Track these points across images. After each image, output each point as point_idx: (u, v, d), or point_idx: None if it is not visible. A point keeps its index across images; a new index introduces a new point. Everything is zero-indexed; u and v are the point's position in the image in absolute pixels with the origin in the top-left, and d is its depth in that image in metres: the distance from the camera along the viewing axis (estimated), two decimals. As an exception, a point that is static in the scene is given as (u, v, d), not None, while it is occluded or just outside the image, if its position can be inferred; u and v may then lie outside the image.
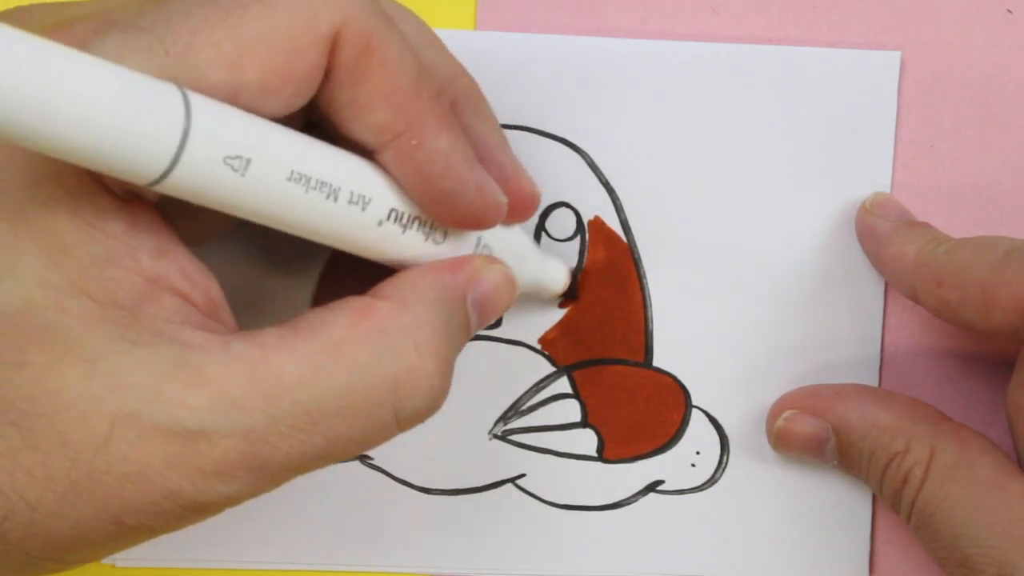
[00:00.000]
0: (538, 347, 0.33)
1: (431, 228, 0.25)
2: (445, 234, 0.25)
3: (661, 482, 0.33)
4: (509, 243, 0.28)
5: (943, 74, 0.33)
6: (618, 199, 0.33)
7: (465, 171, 0.24)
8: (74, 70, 0.18)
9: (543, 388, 0.33)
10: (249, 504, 0.33)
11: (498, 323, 0.33)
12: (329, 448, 0.22)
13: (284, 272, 0.30)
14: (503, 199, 0.26)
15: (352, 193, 0.23)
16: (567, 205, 0.33)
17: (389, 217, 0.24)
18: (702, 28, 0.33)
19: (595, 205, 0.33)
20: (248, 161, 0.21)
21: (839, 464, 0.32)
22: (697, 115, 0.33)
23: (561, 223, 0.33)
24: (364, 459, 0.33)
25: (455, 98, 0.27)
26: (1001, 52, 0.33)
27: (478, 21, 0.33)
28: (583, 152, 0.33)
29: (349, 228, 0.23)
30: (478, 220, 0.25)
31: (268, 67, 0.21)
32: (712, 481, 0.33)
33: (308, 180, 0.22)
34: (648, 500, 0.33)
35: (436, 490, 0.33)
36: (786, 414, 0.32)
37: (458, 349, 0.25)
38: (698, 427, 0.33)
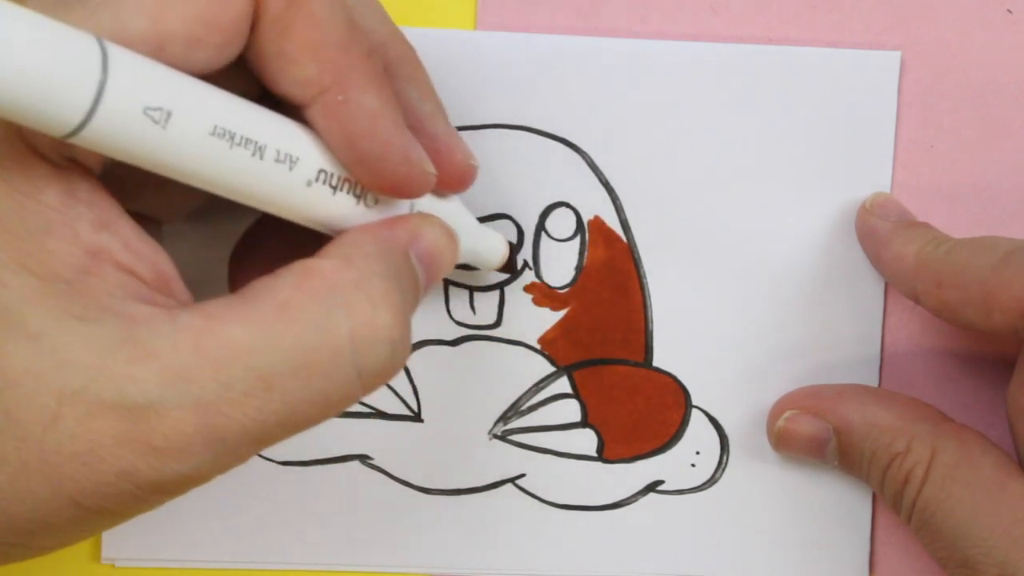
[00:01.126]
0: (538, 347, 0.33)
1: (362, 191, 0.25)
2: (377, 199, 0.25)
3: (661, 482, 0.33)
4: (443, 212, 0.27)
5: (943, 74, 0.33)
6: (618, 199, 0.33)
7: (392, 134, 0.24)
8: None
9: (543, 388, 0.33)
10: (249, 504, 0.33)
11: (498, 323, 0.33)
12: (289, 413, 0.21)
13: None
14: (431, 169, 0.25)
15: (279, 152, 0.22)
16: (567, 205, 0.33)
17: (318, 178, 0.23)
18: (702, 28, 0.33)
19: (595, 205, 0.33)
20: (169, 113, 0.20)
21: (840, 464, 0.32)
22: (697, 115, 0.33)
23: (561, 223, 0.33)
24: (364, 459, 0.33)
25: (389, 63, 0.26)
26: (1001, 52, 0.33)
27: (478, 21, 0.33)
28: (583, 152, 0.33)
29: (276, 188, 0.23)
30: (402, 188, 0.25)
31: (192, 16, 0.21)
32: (712, 481, 0.33)
33: (232, 136, 0.21)
34: (648, 500, 0.33)
35: (436, 490, 0.33)
36: (787, 414, 0.32)
37: (412, 304, 0.24)
38: (698, 427, 0.33)
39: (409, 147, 0.24)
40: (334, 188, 0.24)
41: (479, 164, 0.28)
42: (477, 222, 0.30)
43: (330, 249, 0.23)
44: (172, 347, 0.20)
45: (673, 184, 0.33)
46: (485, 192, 0.33)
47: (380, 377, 0.23)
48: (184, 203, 0.27)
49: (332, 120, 0.23)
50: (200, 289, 0.23)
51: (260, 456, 0.33)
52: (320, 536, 0.33)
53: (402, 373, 0.33)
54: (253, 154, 0.22)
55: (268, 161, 0.22)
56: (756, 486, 0.33)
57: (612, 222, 0.33)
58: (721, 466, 0.33)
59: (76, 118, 0.19)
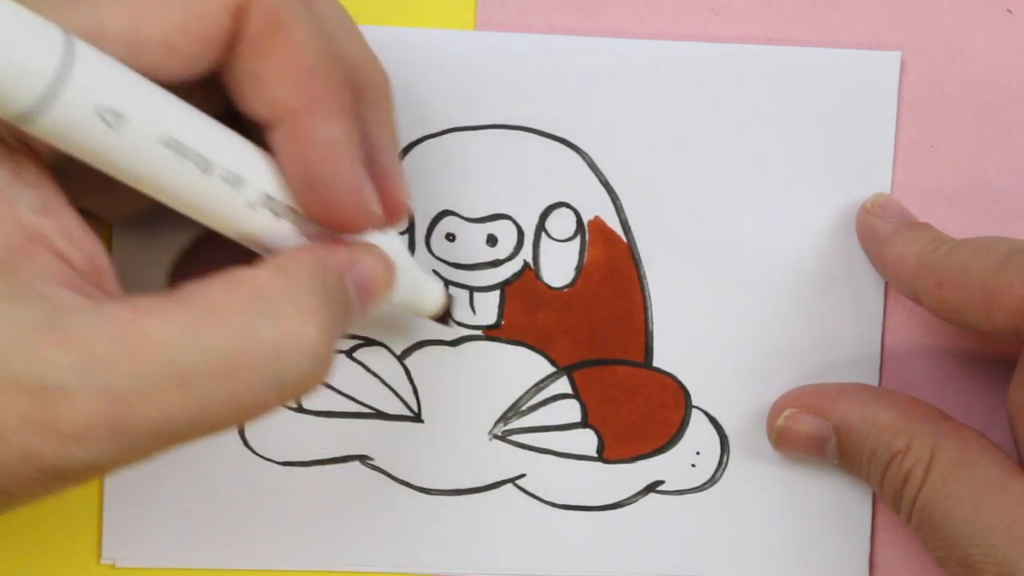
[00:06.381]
0: (538, 347, 0.33)
1: (304, 223, 0.25)
2: (317, 233, 0.25)
3: (661, 482, 0.33)
4: (385, 249, 0.27)
5: (943, 74, 0.33)
6: (618, 199, 0.33)
7: (346, 165, 0.24)
8: None
9: (543, 388, 0.33)
10: (249, 504, 0.33)
11: (498, 323, 0.33)
12: (200, 413, 0.21)
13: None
14: (376, 210, 0.25)
15: (227, 171, 0.23)
16: (567, 205, 0.33)
17: (262, 202, 0.24)
18: (702, 28, 0.33)
19: (595, 205, 0.33)
20: (121, 116, 0.21)
21: (840, 463, 0.32)
22: (697, 115, 0.33)
23: (561, 223, 0.33)
24: (364, 459, 0.33)
25: (359, 87, 0.27)
26: (1001, 52, 0.33)
27: (478, 21, 0.33)
28: (583, 152, 0.33)
29: (219, 205, 0.23)
30: (345, 221, 0.25)
31: (171, 24, 0.21)
32: (712, 481, 0.33)
33: (182, 147, 0.22)
34: (648, 500, 0.33)
35: (436, 490, 0.33)
36: (787, 413, 0.32)
37: (341, 325, 0.24)
38: (698, 427, 0.33)
39: (360, 183, 0.25)
40: (276, 214, 0.24)
41: (413, 206, 0.28)
42: (418, 268, 0.30)
43: (267, 261, 0.23)
44: (93, 335, 0.20)
45: (673, 184, 0.33)
46: (485, 192, 0.33)
47: (298, 388, 0.23)
48: (130, 206, 0.27)
49: (292, 143, 0.24)
50: (138, 290, 0.23)
51: (260, 456, 0.33)
52: (320, 537, 0.33)
53: (402, 373, 0.33)
54: (201, 169, 0.22)
55: (215, 178, 0.23)
56: (756, 486, 0.33)
57: (612, 222, 0.33)
58: (721, 466, 0.33)
59: (28, 103, 0.20)
